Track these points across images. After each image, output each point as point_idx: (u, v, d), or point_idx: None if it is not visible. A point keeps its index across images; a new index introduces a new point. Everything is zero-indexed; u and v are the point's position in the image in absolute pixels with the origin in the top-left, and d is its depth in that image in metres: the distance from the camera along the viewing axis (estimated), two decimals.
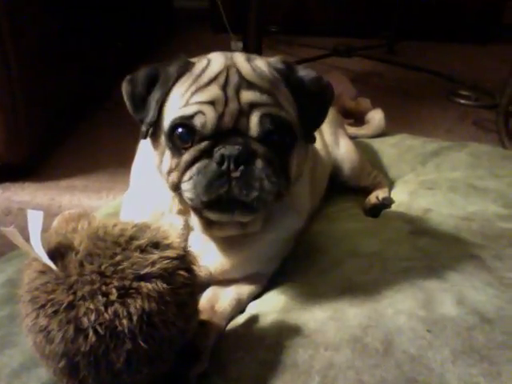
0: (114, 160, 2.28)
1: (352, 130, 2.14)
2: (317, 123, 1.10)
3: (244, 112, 0.97)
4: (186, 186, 0.98)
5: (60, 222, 0.88)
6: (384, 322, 0.98)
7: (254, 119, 0.96)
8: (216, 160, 0.94)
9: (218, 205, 0.97)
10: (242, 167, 0.94)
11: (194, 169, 0.97)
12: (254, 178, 0.95)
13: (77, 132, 2.59)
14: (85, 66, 2.73)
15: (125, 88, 1.06)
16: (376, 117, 2.27)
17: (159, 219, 1.08)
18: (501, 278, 1.12)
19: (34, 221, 0.79)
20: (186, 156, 0.98)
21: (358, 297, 1.07)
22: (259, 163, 0.96)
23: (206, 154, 0.96)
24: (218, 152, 0.94)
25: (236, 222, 1.07)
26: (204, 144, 0.97)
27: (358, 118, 2.41)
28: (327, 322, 1.00)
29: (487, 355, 0.90)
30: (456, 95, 3.13)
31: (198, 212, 1.06)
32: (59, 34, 2.36)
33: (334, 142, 1.70)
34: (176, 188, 1.01)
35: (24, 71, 2.02)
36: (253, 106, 0.97)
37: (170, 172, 1.02)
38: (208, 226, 1.09)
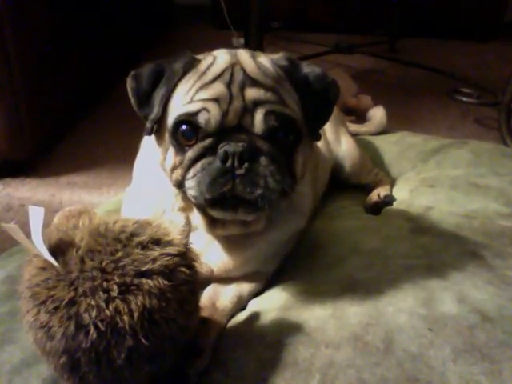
0: (115, 156, 2.28)
1: (353, 128, 2.14)
2: (322, 121, 1.10)
3: (248, 109, 0.96)
4: (189, 184, 0.97)
5: (61, 219, 0.88)
6: (385, 321, 0.98)
7: (259, 116, 0.96)
8: (220, 157, 0.94)
9: (221, 203, 0.97)
10: (246, 164, 0.94)
11: (198, 166, 0.96)
12: (259, 175, 0.94)
13: (77, 128, 2.59)
14: (86, 63, 2.73)
15: (129, 84, 1.06)
16: (377, 114, 2.27)
17: (161, 216, 1.09)
18: (502, 276, 1.12)
19: (35, 217, 0.79)
20: (190, 153, 0.98)
21: (358, 295, 1.07)
22: (264, 160, 0.95)
23: (210, 151, 0.96)
24: (222, 149, 0.94)
25: (239, 220, 1.07)
26: (208, 141, 0.96)
27: (360, 115, 2.41)
28: (328, 319, 1.00)
29: (488, 354, 0.90)
30: (458, 93, 3.13)
31: (202, 210, 1.05)
32: (60, 31, 2.36)
33: (336, 140, 1.70)
34: (180, 185, 1.01)
35: (25, 68, 2.02)
36: (257, 103, 0.97)
37: (173, 169, 1.02)
38: (211, 224, 1.09)
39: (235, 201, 0.96)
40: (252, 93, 0.97)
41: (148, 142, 1.21)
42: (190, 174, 0.97)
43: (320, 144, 1.54)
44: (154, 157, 1.11)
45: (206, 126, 0.96)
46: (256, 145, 0.96)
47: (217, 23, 4.45)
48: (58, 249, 0.79)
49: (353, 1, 4.54)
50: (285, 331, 0.98)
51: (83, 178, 2.14)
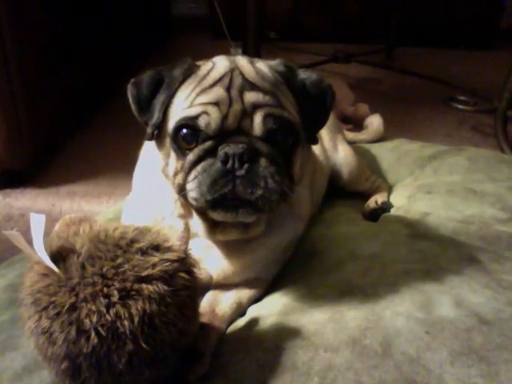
0: (114, 166, 2.29)
1: (351, 136, 2.16)
2: (319, 125, 1.12)
3: (247, 112, 0.98)
4: (190, 186, 0.99)
5: (61, 226, 0.88)
6: (383, 324, 0.99)
7: (258, 119, 0.98)
8: (220, 158, 0.95)
9: (222, 204, 0.98)
10: (246, 165, 0.95)
11: (199, 168, 0.98)
12: (259, 176, 0.96)
13: (76, 138, 2.60)
14: (84, 72, 2.75)
15: (130, 91, 1.08)
16: (374, 122, 2.29)
17: (160, 223, 1.10)
18: (499, 280, 1.12)
19: (37, 224, 0.80)
20: (191, 156, 0.99)
21: (356, 299, 1.08)
22: (263, 162, 0.97)
23: (210, 153, 0.97)
24: (223, 151, 0.95)
25: (239, 224, 1.08)
26: (208, 143, 0.98)
27: (357, 124, 2.43)
28: (326, 324, 1.01)
29: (485, 356, 0.90)
30: (454, 100, 3.14)
31: (202, 213, 1.06)
32: (60, 40, 2.38)
33: (333, 147, 1.71)
34: (181, 190, 1.02)
35: (25, 78, 2.04)
36: (256, 106, 0.98)
37: (175, 174, 1.03)
38: (211, 229, 1.10)
39: (236, 202, 0.97)
40: (251, 96, 0.99)
41: (147, 151, 1.22)
42: (191, 176, 0.99)
43: (317, 151, 1.56)
44: (153, 164, 1.13)
45: (206, 129, 0.98)
46: (255, 146, 0.97)
47: (215, 34, 4.47)
48: (59, 255, 0.80)
49: (349, 10, 4.58)
50: (284, 336, 0.99)
51: (83, 188, 2.15)
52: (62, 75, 2.44)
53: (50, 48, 2.28)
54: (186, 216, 1.12)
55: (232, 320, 1.11)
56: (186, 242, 0.87)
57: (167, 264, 0.81)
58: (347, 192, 1.76)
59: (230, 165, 0.95)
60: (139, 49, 3.71)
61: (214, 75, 1.03)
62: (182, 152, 1.01)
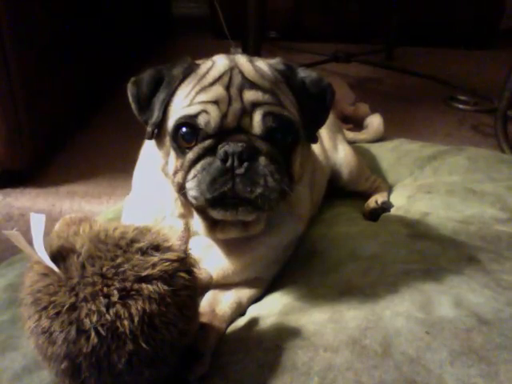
0: (114, 166, 2.29)
1: (351, 135, 2.16)
2: (318, 123, 1.12)
3: (247, 111, 0.98)
4: (190, 184, 0.99)
5: (61, 226, 0.88)
6: (382, 324, 0.99)
7: (257, 117, 0.98)
8: (220, 157, 0.95)
9: (222, 202, 0.98)
10: (245, 164, 0.95)
11: (198, 166, 0.98)
12: (258, 174, 0.96)
13: (76, 138, 2.60)
14: (85, 72, 2.75)
15: (130, 90, 1.08)
16: (375, 122, 2.29)
17: (160, 222, 1.10)
18: (498, 280, 1.12)
19: (37, 224, 0.80)
20: (190, 155, 0.99)
21: (356, 299, 1.08)
22: (263, 160, 0.97)
23: (209, 151, 0.97)
24: (222, 149, 0.95)
25: (239, 222, 1.08)
26: (208, 142, 0.98)
27: (357, 123, 2.43)
28: (326, 324, 1.01)
29: (485, 356, 0.90)
30: (454, 100, 3.15)
31: (202, 212, 1.06)
32: (60, 40, 2.38)
33: (333, 147, 1.71)
34: (181, 188, 1.02)
35: (25, 78, 2.04)
36: (255, 104, 0.98)
37: (175, 173, 1.03)
38: (211, 227, 1.10)
39: (235, 200, 0.97)
40: (250, 95, 0.99)
41: (147, 150, 1.22)
42: (191, 174, 0.99)
43: (317, 151, 1.56)
44: (153, 164, 1.13)
45: (205, 127, 0.98)
46: (255, 145, 0.97)
47: (215, 33, 4.48)
48: (59, 255, 0.80)
49: (350, 10, 4.58)
50: (284, 336, 0.99)
51: (83, 188, 2.15)
52: (62, 75, 2.44)
53: (50, 48, 2.28)
54: (186, 215, 1.12)
55: (232, 320, 1.11)
56: (186, 242, 0.87)
57: (167, 264, 0.81)
58: (347, 192, 1.76)
59: (229, 163, 0.95)
60: (139, 49, 3.70)
61: (214, 74, 1.03)
62: (181, 150, 1.01)
